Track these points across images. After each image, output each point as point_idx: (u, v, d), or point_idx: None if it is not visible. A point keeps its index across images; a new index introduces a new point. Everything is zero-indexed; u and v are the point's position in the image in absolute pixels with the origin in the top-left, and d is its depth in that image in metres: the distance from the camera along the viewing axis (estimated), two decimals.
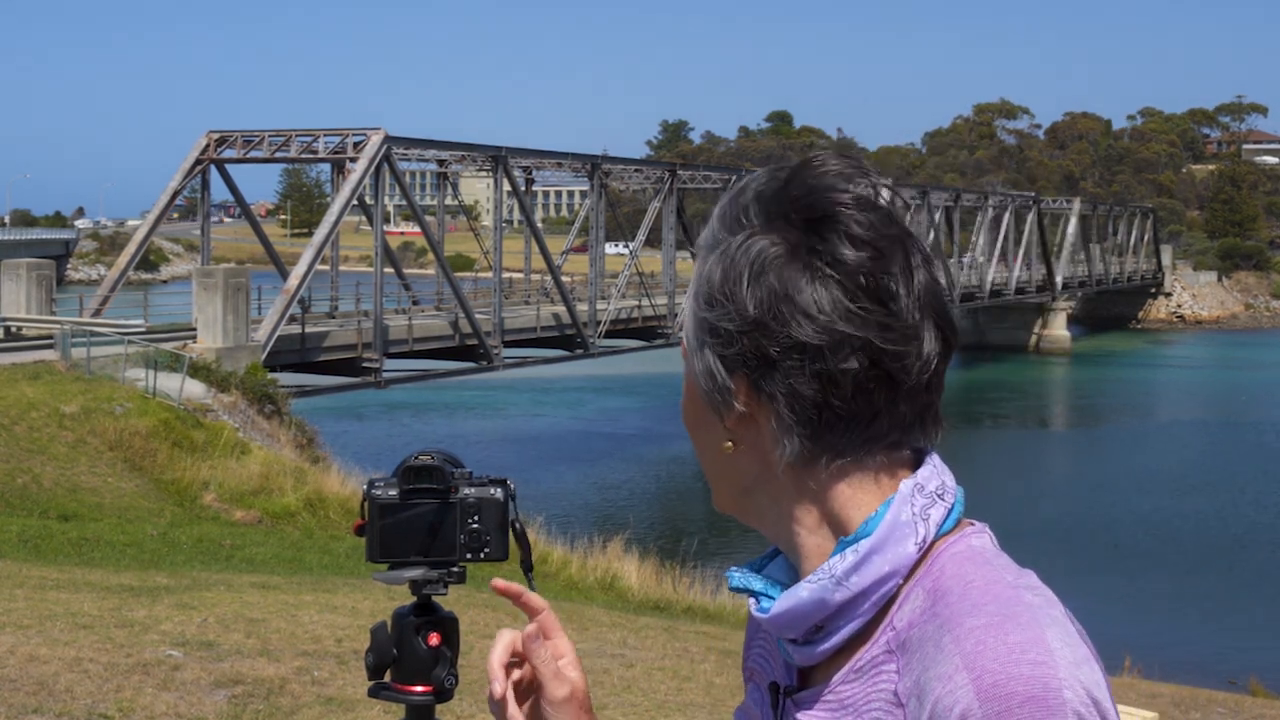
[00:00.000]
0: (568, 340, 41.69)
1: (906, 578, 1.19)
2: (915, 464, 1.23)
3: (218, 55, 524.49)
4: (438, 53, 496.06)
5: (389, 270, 37.02)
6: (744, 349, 1.19)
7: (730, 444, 1.24)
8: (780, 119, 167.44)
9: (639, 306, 45.53)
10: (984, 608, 1.12)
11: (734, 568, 1.30)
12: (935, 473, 1.22)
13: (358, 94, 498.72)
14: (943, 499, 1.21)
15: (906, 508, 1.19)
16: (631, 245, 47.48)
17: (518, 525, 1.54)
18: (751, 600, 1.27)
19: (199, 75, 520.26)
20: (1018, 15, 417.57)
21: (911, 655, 1.15)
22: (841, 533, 1.21)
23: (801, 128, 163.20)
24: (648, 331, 45.93)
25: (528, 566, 1.57)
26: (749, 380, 1.20)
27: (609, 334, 43.66)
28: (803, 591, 1.20)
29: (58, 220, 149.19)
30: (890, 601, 1.19)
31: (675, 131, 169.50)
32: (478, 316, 36.76)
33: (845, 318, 1.16)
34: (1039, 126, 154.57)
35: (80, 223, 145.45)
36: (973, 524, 1.24)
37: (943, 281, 1.31)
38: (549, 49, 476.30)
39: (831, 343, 1.16)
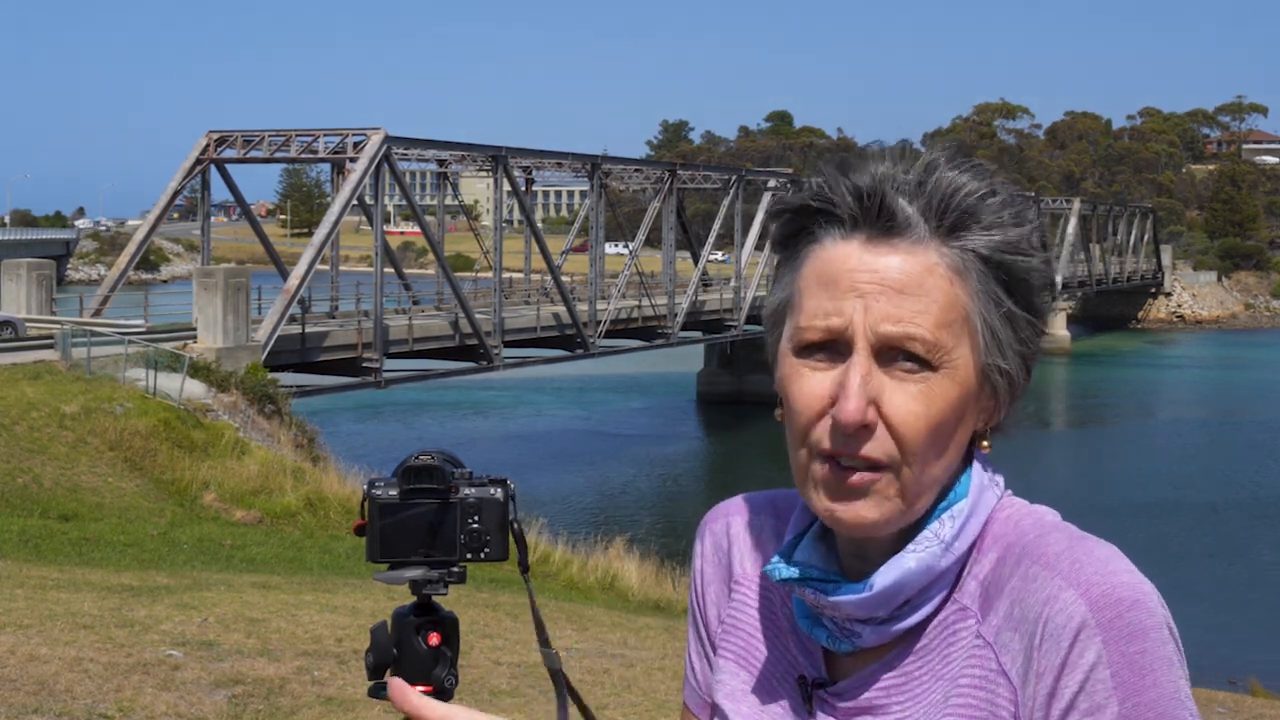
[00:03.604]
0: (568, 340, 41.66)
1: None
2: None
3: (218, 55, 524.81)
4: (438, 53, 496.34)
5: (389, 270, 37.00)
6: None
7: (987, 445, 1.25)
8: (780, 119, 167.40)
9: (639, 306, 45.51)
10: (1053, 534, 1.16)
11: (776, 559, 1.26)
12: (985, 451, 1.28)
13: (358, 94, 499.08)
14: (997, 470, 1.26)
15: (985, 472, 1.23)
16: (631, 245, 47.48)
17: (516, 526, 1.54)
18: (805, 590, 1.22)
19: (199, 75, 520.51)
20: (1018, 15, 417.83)
21: (989, 599, 1.17)
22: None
23: (801, 128, 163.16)
24: (648, 331, 45.90)
25: (524, 568, 1.57)
26: None
27: (609, 334, 43.63)
28: (909, 561, 1.18)
29: (58, 220, 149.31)
30: (955, 581, 1.20)
31: (675, 131, 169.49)
32: (478, 316, 36.75)
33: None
34: (1039, 126, 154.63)
35: (80, 223, 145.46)
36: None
37: None
38: (549, 49, 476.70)
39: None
